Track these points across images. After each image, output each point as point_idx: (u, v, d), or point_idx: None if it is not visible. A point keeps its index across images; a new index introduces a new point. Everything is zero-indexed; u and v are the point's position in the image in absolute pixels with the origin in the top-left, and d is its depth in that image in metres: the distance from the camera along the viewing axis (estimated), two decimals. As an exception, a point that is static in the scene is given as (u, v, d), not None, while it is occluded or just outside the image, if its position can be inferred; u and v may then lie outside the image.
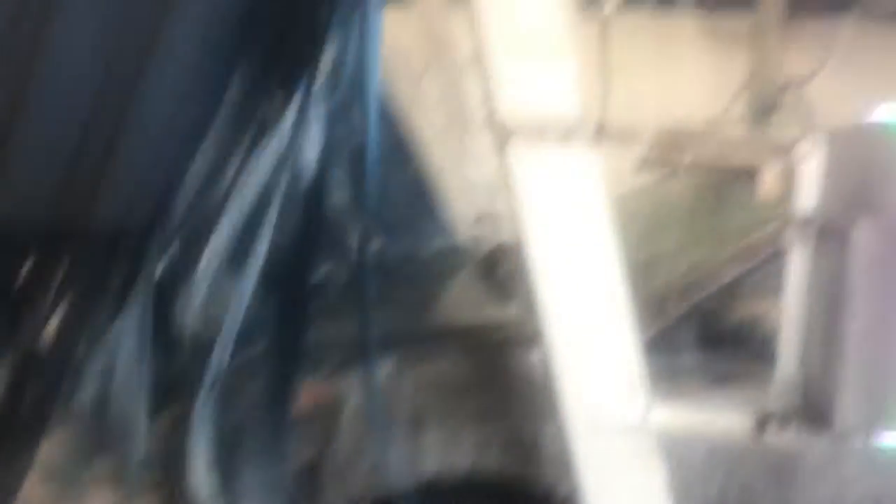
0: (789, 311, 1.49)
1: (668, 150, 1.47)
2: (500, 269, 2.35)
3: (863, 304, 1.40)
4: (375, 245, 1.93)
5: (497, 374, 2.02)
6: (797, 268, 1.47)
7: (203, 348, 1.69)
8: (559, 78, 1.44)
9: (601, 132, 1.43)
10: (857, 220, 1.37)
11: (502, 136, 1.45)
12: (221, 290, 1.69)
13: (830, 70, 4.86)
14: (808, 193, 1.43)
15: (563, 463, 1.60)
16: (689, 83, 5.51)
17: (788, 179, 1.45)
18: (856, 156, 1.43)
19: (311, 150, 1.66)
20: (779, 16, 5.04)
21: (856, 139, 1.46)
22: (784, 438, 1.49)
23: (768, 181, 1.47)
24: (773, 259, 1.71)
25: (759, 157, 1.46)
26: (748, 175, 1.48)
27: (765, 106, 4.75)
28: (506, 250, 2.13)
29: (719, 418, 1.56)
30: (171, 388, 1.76)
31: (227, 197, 1.65)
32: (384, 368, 1.93)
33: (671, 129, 1.51)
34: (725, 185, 2.28)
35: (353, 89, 1.66)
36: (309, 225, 1.74)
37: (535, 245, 1.50)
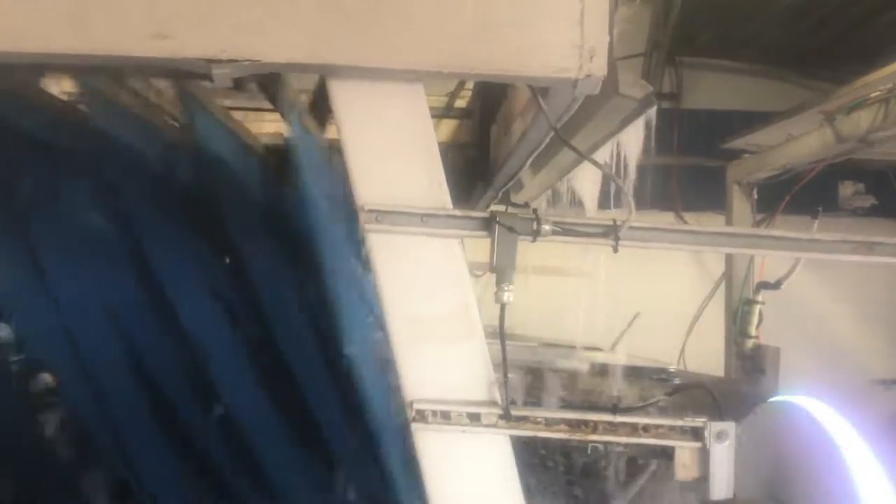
0: None
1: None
2: None
3: None
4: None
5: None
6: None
7: None
8: (466, 360, 1.43)
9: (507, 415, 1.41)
10: (772, 507, 1.32)
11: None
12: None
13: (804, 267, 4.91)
14: (723, 476, 1.38)
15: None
16: (670, 279, 5.59)
17: (704, 461, 1.40)
18: (767, 439, 1.40)
19: None
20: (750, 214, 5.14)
21: (766, 422, 1.43)
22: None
23: (686, 462, 1.43)
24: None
25: (676, 437, 1.42)
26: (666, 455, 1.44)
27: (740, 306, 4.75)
28: None
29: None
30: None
31: None
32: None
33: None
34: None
35: None
36: None
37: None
